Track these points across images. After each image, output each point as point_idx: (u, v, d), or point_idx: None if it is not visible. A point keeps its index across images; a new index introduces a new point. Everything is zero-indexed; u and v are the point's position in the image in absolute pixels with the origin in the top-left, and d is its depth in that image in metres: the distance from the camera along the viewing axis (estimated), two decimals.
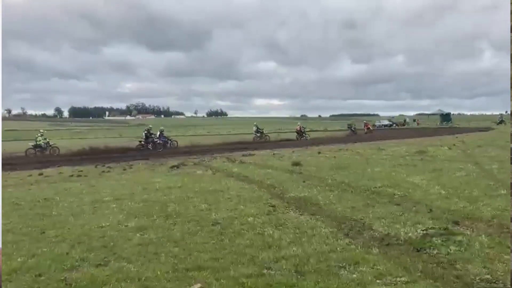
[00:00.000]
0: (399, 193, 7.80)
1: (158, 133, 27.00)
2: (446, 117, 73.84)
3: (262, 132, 32.95)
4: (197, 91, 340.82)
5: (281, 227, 5.65)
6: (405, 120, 77.28)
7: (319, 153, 17.59)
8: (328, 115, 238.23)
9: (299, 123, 37.28)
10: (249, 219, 6.12)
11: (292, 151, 19.70)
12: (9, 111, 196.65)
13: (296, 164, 13.01)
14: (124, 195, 8.67)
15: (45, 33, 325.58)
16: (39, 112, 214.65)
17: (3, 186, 10.64)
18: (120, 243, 5.14)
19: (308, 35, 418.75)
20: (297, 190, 8.54)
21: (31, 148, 23.63)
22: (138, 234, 5.54)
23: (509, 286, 3.50)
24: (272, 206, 6.99)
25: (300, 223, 5.81)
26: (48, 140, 25.01)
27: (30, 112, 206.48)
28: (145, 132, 26.40)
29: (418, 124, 72.04)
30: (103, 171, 13.49)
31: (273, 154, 18.24)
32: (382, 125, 65.13)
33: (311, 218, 6.07)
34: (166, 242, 5.14)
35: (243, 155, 17.80)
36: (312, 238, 5.08)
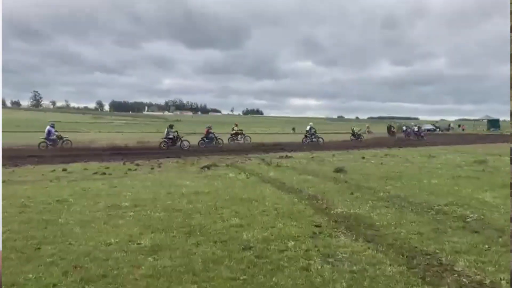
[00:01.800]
0: (472, 215, 6.32)
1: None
2: (494, 123, 69.78)
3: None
4: (233, 89, 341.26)
5: (331, 259, 4.36)
6: (449, 125, 73.60)
7: (363, 158, 16.10)
8: (366, 117, 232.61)
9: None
10: (289, 244, 4.86)
11: (333, 154, 18.27)
12: (53, 103, 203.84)
13: (340, 170, 11.64)
14: (145, 200, 7.61)
15: (88, 28, 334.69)
16: (82, 105, 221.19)
17: (21, 182, 9.89)
18: (125, 272, 4.01)
19: (346, 34, 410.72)
20: (345, 204, 7.21)
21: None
22: (150, 259, 4.39)
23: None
24: (317, 226, 5.70)
25: (356, 255, 4.49)
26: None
27: (73, 104, 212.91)
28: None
29: (463, 129, 68.37)
30: (130, 169, 12.58)
31: (312, 157, 16.88)
32: (425, 129, 62.01)
33: (368, 247, 4.74)
34: (183, 273, 3.97)
35: (279, 157, 16.54)
36: (375, 281, 3.78)
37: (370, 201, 7.43)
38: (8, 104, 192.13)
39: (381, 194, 8.24)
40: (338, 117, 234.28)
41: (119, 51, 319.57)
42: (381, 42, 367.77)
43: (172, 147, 23.31)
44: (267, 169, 12.49)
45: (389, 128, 43.48)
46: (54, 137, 23.05)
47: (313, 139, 28.33)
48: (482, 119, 75.46)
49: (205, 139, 25.47)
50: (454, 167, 12.71)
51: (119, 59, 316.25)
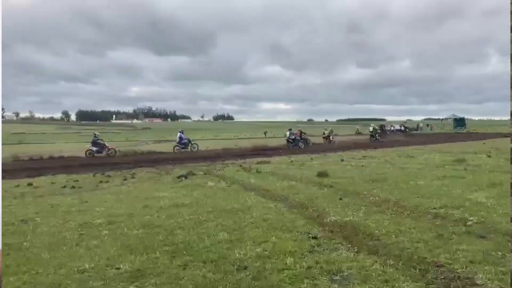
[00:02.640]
0: (471, 218, 6.00)
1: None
2: (460, 122, 71.59)
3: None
4: (203, 95, 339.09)
5: (338, 278, 3.89)
6: (418, 125, 75.00)
7: (342, 160, 15.83)
8: (335, 120, 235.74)
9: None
10: (287, 261, 4.37)
11: (311, 158, 17.94)
12: (17, 114, 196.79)
13: (322, 174, 11.27)
14: (120, 215, 6.97)
15: (51, 36, 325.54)
16: (47, 115, 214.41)
17: None
18: None
19: (312, 39, 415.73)
20: (336, 211, 6.79)
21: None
22: (132, 287, 3.82)
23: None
24: (314, 238, 5.23)
25: (363, 270, 4.05)
26: None
27: (38, 115, 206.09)
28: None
29: (431, 129, 69.82)
30: (101, 181, 11.81)
31: (291, 161, 16.50)
32: (395, 129, 62.90)
33: (375, 261, 4.30)
34: None
35: (257, 163, 16.07)
36: None
37: (362, 207, 7.04)
38: None
39: (371, 198, 7.88)
40: (308, 120, 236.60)
41: (83, 60, 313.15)
42: (346, 46, 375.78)
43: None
44: (247, 176, 11.99)
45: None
46: None
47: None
48: (448, 118, 77.27)
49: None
50: (436, 167, 12.56)
51: (83, 68, 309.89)
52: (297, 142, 28.07)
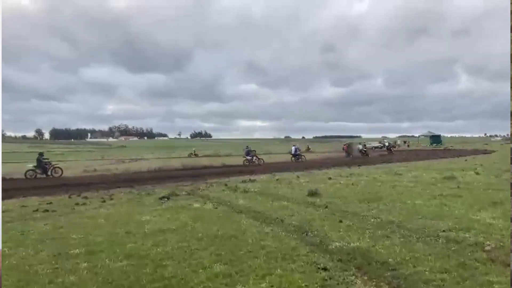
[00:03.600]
0: (488, 242, 5.56)
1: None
2: (436, 138, 72.98)
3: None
4: (180, 112, 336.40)
5: None
6: (395, 142, 75.93)
7: (329, 178, 15.36)
8: (311, 137, 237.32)
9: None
10: None
11: (297, 175, 17.43)
12: None
13: (313, 194, 10.75)
14: (100, 244, 6.24)
15: (22, 52, 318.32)
16: (19, 134, 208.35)
17: None
18: None
19: (287, 58, 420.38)
20: (340, 236, 6.25)
21: None
22: None
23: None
24: (323, 269, 4.66)
25: None
26: None
27: (9, 133, 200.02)
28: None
29: (408, 146, 70.74)
30: (77, 204, 10.94)
31: (277, 179, 15.95)
32: (373, 147, 63.33)
33: None
34: None
35: (242, 181, 15.45)
36: None
37: (366, 231, 6.52)
38: None
39: (372, 220, 7.38)
40: (285, 137, 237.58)
41: (56, 77, 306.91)
42: (321, 64, 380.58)
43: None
44: (234, 196, 11.35)
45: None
46: None
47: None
48: (424, 135, 78.57)
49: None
50: (428, 185, 12.23)
51: (57, 85, 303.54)
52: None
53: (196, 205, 9.96)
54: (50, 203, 11.16)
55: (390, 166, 22.50)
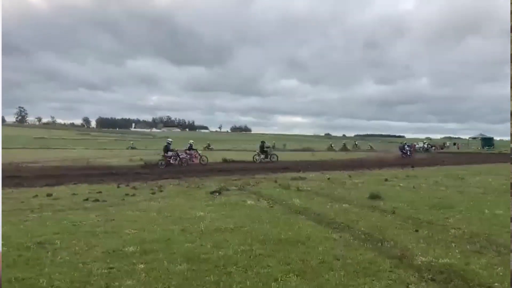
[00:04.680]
0: None
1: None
2: (488, 141, 69.18)
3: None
4: (220, 106, 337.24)
5: None
6: (444, 144, 72.70)
7: (386, 180, 14.41)
8: (352, 135, 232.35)
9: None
10: None
11: (348, 175, 16.56)
12: (39, 119, 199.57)
13: (375, 197, 9.92)
14: (155, 242, 5.78)
15: (71, 44, 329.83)
16: (68, 121, 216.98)
17: None
18: None
19: (329, 54, 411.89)
20: (422, 248, 5.47)
21: None
22: None
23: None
24: None
25: None
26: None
27: (59, 120, 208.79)
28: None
29: (458, 148, 67.50)
30: (127, 194, 10.67)
31: (328, 178, 15.16)
32: (420, 147, 60.82)
33: None
34: None
35: (292, 178, 14.78)
36: None
37: (452, 244, 5.71)
38: None
39: (453, 231, 6.52)
40: (326, 134, 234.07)
41: (103, 68, 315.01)
42: (364, 61, 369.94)
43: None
44: (287, 194, 10.70)
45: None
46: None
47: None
48: (475, 137, 74.77)
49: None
50: (500, 193, 11.09)
51: (103, 76, 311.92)
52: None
53: (250, 202, 9.40)
54: (100, 192, 10.95)
55: (447, 168, 21.10)
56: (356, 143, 55.94)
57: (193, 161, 24.15)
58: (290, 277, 4.35)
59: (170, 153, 23.36)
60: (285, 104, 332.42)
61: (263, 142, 28.26)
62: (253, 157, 27.29)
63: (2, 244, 5.57)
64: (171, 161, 23.04)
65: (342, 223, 7.16)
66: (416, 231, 6.52)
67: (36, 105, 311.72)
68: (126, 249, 5.37)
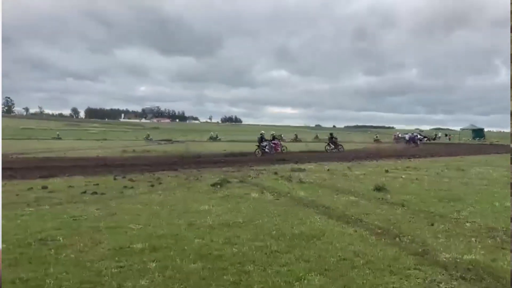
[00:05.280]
0: None
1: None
2: (479, 132, 69.59)
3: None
4: (210, 96, 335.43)
5: None
6: (436, 135, 73.01)
7: (386, 171, 14.25)
8: (342, 126, 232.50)
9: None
10: None
11: (347, 166, 16.38)
12: (26, 110, 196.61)
13: (381, 189, 9.73)
14: (163, 237, 5.51)
15: (58, 33, 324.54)
16: (56, 112, 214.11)
17: None
18: None
19: (319, 45, 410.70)
20: (442, 244, 5.26)
21: None
22: None
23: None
24: None
25: None
26: None
27: (47, 111, 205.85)
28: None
29: (449, 139, 67.87)
30: (125, 187, 10.35)
31: (328, 169, 14.97)
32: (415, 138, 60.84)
33: None
34: None
35: (291, 170, 14.56)
36: None
37: (472, 238, 5.52)
38: None
39: (468, 225, 6.34)
40: (316, 125, 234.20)
41: (91, 58, 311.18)
42: (353, 52, 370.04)
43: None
44: (290, 186, 10.47)
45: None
46: None
47: (267, 151, 26.55)
48: (466, 129, 75.22)
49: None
50: (505, 184, 10.96)
51: (91, 66, 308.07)
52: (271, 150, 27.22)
53: (254, 195, 9.14)
54: (97, 184, 10.61)
55: (444, 160, 21.04)
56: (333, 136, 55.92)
57: (277, 150, 26.90)
58: (312, 276, 4.11)
59: (264, 143, 26.04)
60: (275, 95, 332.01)
61: (331, 134, 32.07)
62: (325, 148, 30.31)
63: (3, 240, 5.26)
64: (266, 150, 25.70)
65: (353, 216, 6.94)
66: (432, 225, 6.32)
67: (22, 95, 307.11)
68: (134, 246, 5.08)
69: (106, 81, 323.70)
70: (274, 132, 28.56)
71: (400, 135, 48.88)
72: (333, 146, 30.02)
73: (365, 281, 3.97)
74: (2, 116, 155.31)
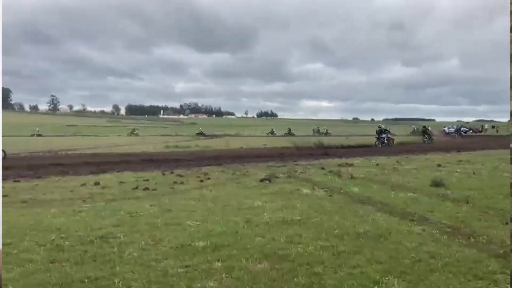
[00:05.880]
0: None
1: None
2: None
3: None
4: (245, 91, 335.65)
5: None
6: (482, 126, 69.99)
7: (439, 165, 13.62)
8: (381, 119, 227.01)
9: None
10: None
11: (396, 160, 15.81)
12: (70, 107, 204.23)
13: (438, 184, 9.26)
14: (222, 235, 5.37)
15: (98, 32, 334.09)
16: (98, 109, 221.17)
17: (46, 203, 7.77)
18: None
19: (354, 37, 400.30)
20: None
21: None
22: None
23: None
24: None
25: None
26: None
27: (89, 108, 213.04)
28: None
29: (497, 131, 64.83)
30: (175, 182, 10.36)
31: (377, 164, 14.48)
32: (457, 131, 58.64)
33: None
34: None
35: (338, 165, 14.17)
36: None
37: None
38: (27, 108, 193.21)
39: None
40: (354, 119, 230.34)
41: (129, 56, 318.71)
42: (389, 43, 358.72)
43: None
44: (342, 182, 10.14)
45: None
46: None
47: (386, 142, 28.28)
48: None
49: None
50: None
51: (130, 64, 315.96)
52: (389, 142, 28.68)
53: (305, 190, 8.89)
54: (147, 180, 10.67)
55: (497, 153, 19.97)
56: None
57: (392, 141, 28.77)
58: (389, 279, 3.84)
59: (383, 135, 28.25)
60: (311, 89, 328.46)
61: (425, 127, 35.51)
62: (423, 140, 32.83)
63: (65, 237, 5.29)
64: (385, 141, 27.63)
65: (416, 214, 6.57)
66: (506, 223, 5.87)
67: (66, 93, 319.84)
68: (195, 244, 4.97)
69: (144, 78, 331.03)
70: (383, 126, 30.61)
71: (447, 129, 47.09)
72: (427, 138, 32.42)
73: (450, 287, 3.66)
74: (49, 113, 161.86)
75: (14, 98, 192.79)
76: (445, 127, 39.20)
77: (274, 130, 60.61)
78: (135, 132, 57.99)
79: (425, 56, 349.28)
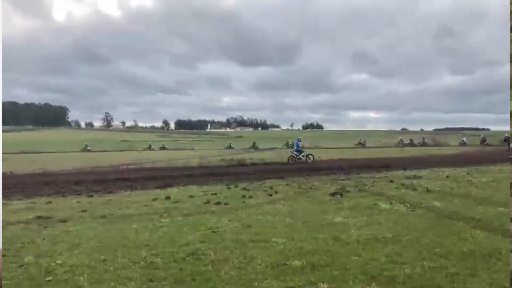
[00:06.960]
0: None
1: None
2: None
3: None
4: (289, 104, 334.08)
5: None
6: None
7: None
8: (431, 129, 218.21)
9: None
10: None
11: (466, 172, 14.95)
12: (123, 123, 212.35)
13: None
14: (314, 253, 5.12)
15: (145, 51, 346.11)
16: (149, 124, 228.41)
17: (125, 217, 7.85)
18: None
19: (399, 46, 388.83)
20: None
21: None
22: None
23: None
24: None
25: None
26: None
27: (140, 124, 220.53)
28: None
29: None
30: (243, 196, 10.26)
31: (446, 176, 13.74)
32: None
33: None
34: None
35: (406, 177, 13.57)
36: None
37: None
38: (82, 125, 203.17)
39: None
40: (402, 129, 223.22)
41: (176, 72, 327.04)
42: (437, 51, 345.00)
43: None
44: (418, 196, 9.62)
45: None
46: None
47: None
48: None
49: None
50: None
51: (177, 80, 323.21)
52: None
53: (384, 205, 8.48)
54: (215, 194, 10.64)
55: None
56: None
57: None
58: None
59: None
60: (356, 100, 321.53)
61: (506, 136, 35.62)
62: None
63: (155, 254, 5.24)
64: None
65: None
66: None
67: (118, 110, 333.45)
68: (291, 263, 4.76)
69: (191, 93, 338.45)
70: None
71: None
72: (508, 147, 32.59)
73: None
74: (103, 130, 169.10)
75: (71, 116, 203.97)
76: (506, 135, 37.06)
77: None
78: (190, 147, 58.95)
79: (477, 63, 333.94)
